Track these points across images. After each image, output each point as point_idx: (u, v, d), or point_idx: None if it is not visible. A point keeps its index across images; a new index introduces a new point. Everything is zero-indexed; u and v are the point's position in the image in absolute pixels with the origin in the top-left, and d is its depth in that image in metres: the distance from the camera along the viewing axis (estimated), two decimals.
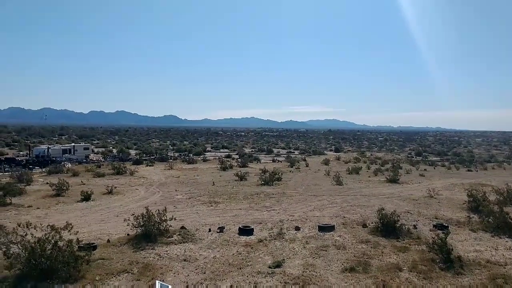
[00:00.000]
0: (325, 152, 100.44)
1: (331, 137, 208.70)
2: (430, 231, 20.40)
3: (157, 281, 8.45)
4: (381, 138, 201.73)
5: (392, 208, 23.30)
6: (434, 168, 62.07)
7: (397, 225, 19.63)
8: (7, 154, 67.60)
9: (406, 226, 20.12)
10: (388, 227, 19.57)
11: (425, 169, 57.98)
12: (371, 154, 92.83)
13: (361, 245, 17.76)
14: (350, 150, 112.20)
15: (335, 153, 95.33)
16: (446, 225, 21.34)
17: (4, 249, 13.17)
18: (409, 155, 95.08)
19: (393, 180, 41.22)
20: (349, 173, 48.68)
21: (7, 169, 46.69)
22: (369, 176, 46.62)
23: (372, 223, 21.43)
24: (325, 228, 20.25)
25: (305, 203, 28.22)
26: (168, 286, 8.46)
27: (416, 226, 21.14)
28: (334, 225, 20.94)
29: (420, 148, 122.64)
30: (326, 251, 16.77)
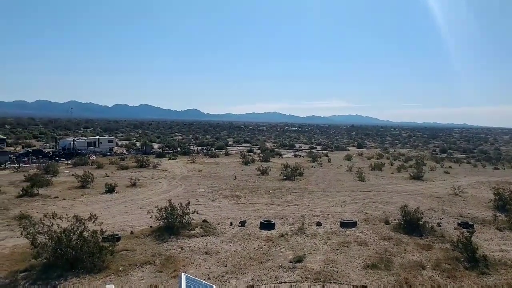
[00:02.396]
0: (348, 147, 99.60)
1: (354, 132, 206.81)
2: (455, 229, 20.08)
3: (182, 274, 8.46)
4: (404, 134, 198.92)
5: (415, 205, 22.97)
6: (459, 166, 60.90)
7: (421, 222, 19.38)
8: (35, 146, 69.14)
9: (430, 224, 19.87)
10: (411, 225, 19.34)
11: (450, 166, 56.99)
12: (394, 151, 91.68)
13: (383, 242, 17.60)
14: (373, 146, 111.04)
15: (357, 149, 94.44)
16: (471, 223, 20.96)
17: (31, 239, 13.50)
18: (434, 152, 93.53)
19: (417, 177, 40.61)
20: (371, 169, 48.20)
21: (34, 160, 47.79)
22: (392, 173, 46.05)
23: (394, 220, 21.24)
24: (347, 224, 20.13)
25: (327, 199, 28.09)
26: (193, 278, 8.44)
27: (440, 224, 20.84)
28: (356, 221, 20.80)
29: (445, 145, 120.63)
30: (347, 247, 16.68)
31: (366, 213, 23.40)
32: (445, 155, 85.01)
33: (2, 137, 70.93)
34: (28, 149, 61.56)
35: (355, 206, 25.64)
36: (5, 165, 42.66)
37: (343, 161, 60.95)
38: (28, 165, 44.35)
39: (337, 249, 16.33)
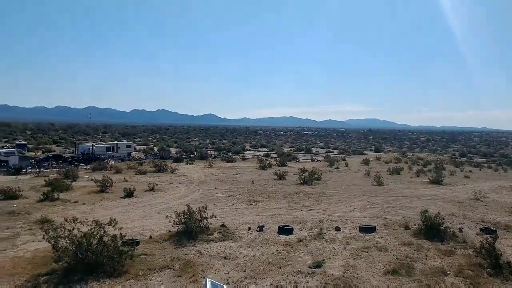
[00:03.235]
0: (365, 152, 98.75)
1: (371, 136, 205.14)
2: (477, 235, 19.71)
3: (207, 279, 8.40)
4: (423, 138, 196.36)
5: (435, 210, 22.64)
6: (480, 170, 59.85)
7: (442, 227, 19.07)
8: (55, 151, 70.17)
9: (451, 229, 19.53)
10: (432, 230, 19.04)
11: (470, 171, 56.09)
12: (412, 155, 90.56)
13: (404, 247, 17.35)
14: (390, 150, 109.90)
15: (375, 153, 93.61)
16: (494, 229, 20.54)
17: (53, 243, 13.66)
18: (453, 156, 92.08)
19: (436, 182, 40.02)
20: (390, 174, 47.71)
21: (54, 165, 48.47)
22: (411, 177, 45.50)
23: (415, 225, 20.95)
24: (366, 229, 19.94)
25: (345, 203, 27.87)
26: (217, 284, 8.36)
27: (462, 229, 20.48)
28: (375, 226, 20.57)
29: (464, 148, 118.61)
30: (367, 252, 16.49)
31: (385, 218, 23.14)
32: (465, 159, 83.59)
33: (23, 142, 72.27)
34: (48, 154, 62.52)
35: (374, 211, 25.38)
36: (27, 170, 43.37)
37: (361, 165, 60.45)
38: (48, 170, 45.01)
39: (357, 255, 16.15)
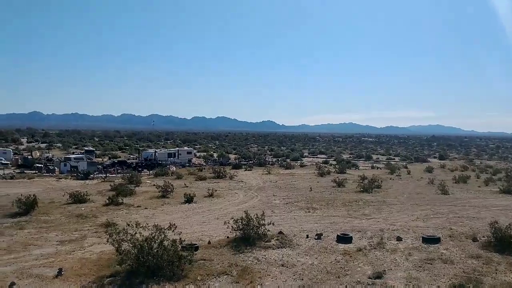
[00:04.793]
0: (428, 159, 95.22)
1: (435, 143, 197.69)
2: None
3: None
4: (492, 145, 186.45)
5: (507, 221, 21.20)
6: None
7: None
8: (120, 157, 73.44)
9: None
10: (503, 242, 17.83)
11: None
12: (480, 162, 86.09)
13: (471, 260, 16.40)
14: (456, 158, 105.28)
15: (439, 161, 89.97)
16: None
17: (116, 246, 14.18)
18: None
19: (508, 191, 37.59)
20: (455, 182, 45.52)
21: (119, 171, 50.64)
22: (479, 186, 43.14)
23: (483, 237, 19.72)
24: (429, 240, 19.04)
25: (407, 213, 26.88)
26: None
27: None
28: (439, 237, 19.61)
29: None
30: (431, 264, 15.73)
31: (451, 229, 22.01)
32: None
33: (91, 148, 76.12)
34: (114, 160, 65.60)
35: (438, 221, 24.25)
36: (94, 175, 45.59)
37: (424, 173, 58.26)
38: (114, 175, 47.09)
39: (420, 266, 15.45)
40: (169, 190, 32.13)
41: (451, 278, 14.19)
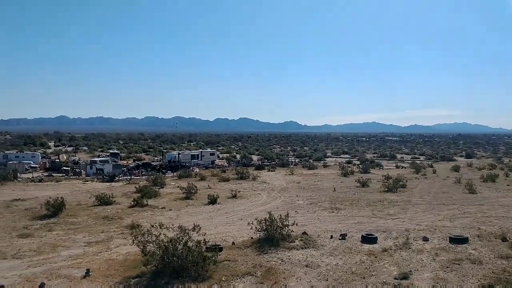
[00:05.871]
0: (455, 158, 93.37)
1: (461, 142, 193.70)
2: None
3: None
4: None
5: None
6: None
7: None
8: (144, 159, 74.36)
9: None
10: None
11: None
12: (509, 161, 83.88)
13: (501, 260, 16.01)
14: (484, 156, 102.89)
15: (466, 159, 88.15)
16: None
17: (142, 247, 14.37)
18: None
19: None
20: (483, 181, 44.45)
21: (144, 173, 51.28)
22: (508, 185, 42.03)
23: None
24: (457, 240, 18.68)
25: (433, 212, 26.43)
26: None
27: None
28: (467, 237, 19.21)
29: None
30: (459, 265, 15.43)
31: (479, 229, 21.54)
32: None
33: (116, 151, 77.24)
34: (138, 162, 66.52)
35: (466, 221, 23.76)
36: (119, 177, 46.29)
37: (450, 172, 57.12)
38: (138, 177, 47.72)
39: (447, 267, 15.17)
40: (193, 191, 32.33)
41: (480, 279, 13.89)
